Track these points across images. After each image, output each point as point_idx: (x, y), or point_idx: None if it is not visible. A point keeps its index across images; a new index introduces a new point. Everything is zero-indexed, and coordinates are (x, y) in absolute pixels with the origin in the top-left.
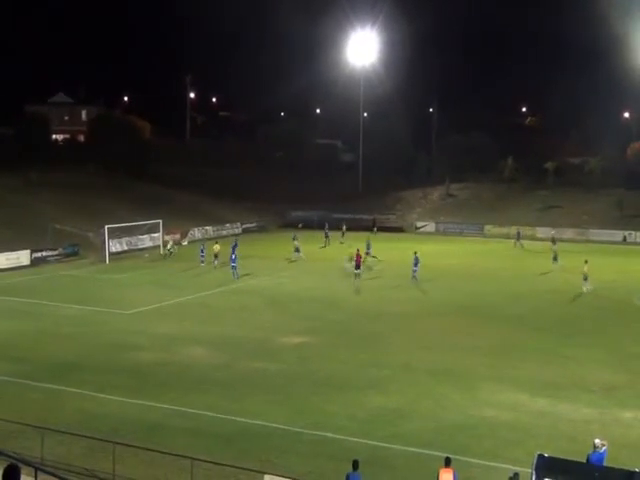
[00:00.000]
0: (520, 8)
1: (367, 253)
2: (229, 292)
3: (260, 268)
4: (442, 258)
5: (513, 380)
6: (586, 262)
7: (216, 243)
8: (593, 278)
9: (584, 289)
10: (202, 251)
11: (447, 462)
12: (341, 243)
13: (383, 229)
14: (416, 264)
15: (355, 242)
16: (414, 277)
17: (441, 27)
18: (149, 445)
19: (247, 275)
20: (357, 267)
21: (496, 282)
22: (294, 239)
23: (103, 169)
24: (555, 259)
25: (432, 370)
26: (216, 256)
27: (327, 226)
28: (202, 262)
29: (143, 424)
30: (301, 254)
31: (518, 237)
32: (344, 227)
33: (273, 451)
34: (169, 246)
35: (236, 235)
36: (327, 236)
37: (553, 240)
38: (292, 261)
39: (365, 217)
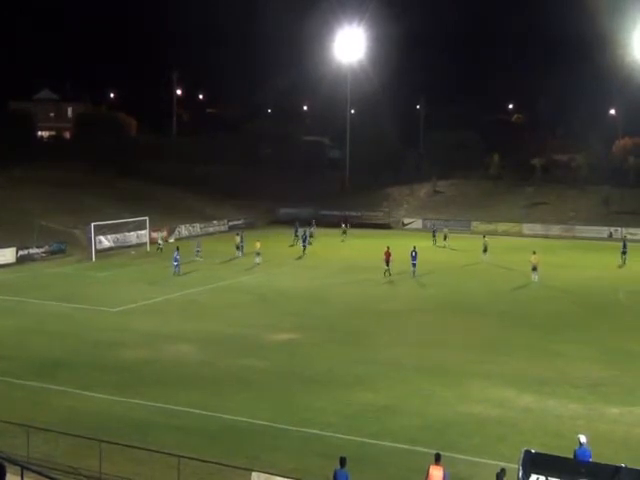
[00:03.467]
0: (507, 6)
1: (197, 251)
2: (218, 289)
3: (249, 265)
4: (429, 255)
5: (500, 376)
6: (534, 253)
7: (257, 241)
8: (582, 275)
9: (534, 278)
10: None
11: (437, 458)
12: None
13: (370, 226)
14: (414, 258)
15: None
16: (413, 271)
17: (428, 24)
18: (135, 443)
19: (236, 271)
20: (387, 263)
21: (482, 278)
22: (237, 234)
23: (89, 166)
24: (485, 251)
25: (420, 367)
26: (258, 254)
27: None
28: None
29: (129, 422)
30: (240, 253)
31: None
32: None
33: (260, 448)
34: (160, 242)
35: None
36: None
37: (445, 237)
38: (224, 261)
39: (353, 214)
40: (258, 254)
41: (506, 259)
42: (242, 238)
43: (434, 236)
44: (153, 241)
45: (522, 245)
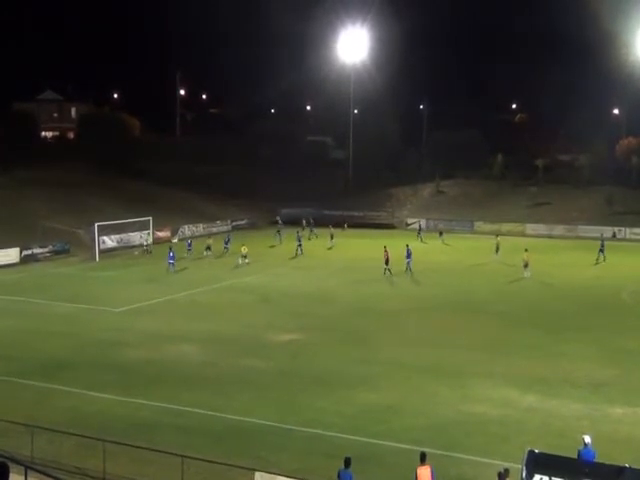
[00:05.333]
0: (509, 5)
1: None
2: (220, 289)
3: (252, 265)
4: (432, 254)
5: (503, 376)
6: (526, 250)
7: (242, 245)
8: (585, 274)
9: (525, 275)
10: (189, 245)
11: (422, 458)
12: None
13: (373, 226)
14: (409, 255)
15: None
16: (408, 268)
17: (431, 24)
18: (139, 443)
19: (239, 272)
20: (386, 262)
21: (485, 278)
22: (209, 237)
23: (93, 166)
24: (497, 251)
25: (422, 366)
26: (244, 257)
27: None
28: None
29: (133, 422)
30: (210, 252)
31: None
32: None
33: (264, 448)
34: (145, 244)
35: (227, 232)
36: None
37: (441, 233)
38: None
39: (356, 214)
40: (244, 257)
41: (509, 259)
42: (228, 240)
43: (419, 234)
44: (157, 241)
45: (525, 245)
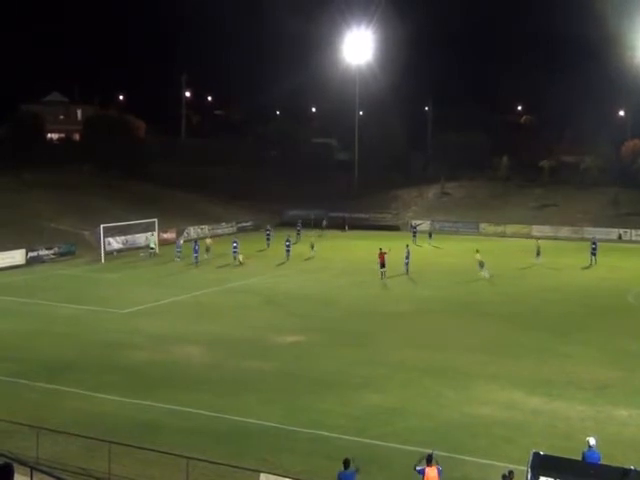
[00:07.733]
0: (515, 7)
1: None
2: (224, 291)
3: (256, 267)
4: (437, 256)
5: (508, 378)
6: (477, 251)
7: (209, 238)
8: (590, 276)
9: (484, 275)
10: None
11: (429, 459)
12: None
13: (379, 227)
14: (407, 257)
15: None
16: (406, 269)
17: (436, 26)
18: (144, 444)
19: (243, 274)
20: (382, 265)
21: (488, 280)
22: (210, 237)
23: (98, 168)
24: (538, 254)
25: (427, 368)
26: (207, 250)
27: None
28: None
29: (138, 423)
30: (209, 254)
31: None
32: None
33: (268, 450)
34: (152, 245)
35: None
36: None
37: (430, 235)
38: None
39: (361, 215)
40: (207, 250)
41: (512, 261)
42: (237, 246)
43: (414, 235)
44: (162, 243)
45: (531, 247)
